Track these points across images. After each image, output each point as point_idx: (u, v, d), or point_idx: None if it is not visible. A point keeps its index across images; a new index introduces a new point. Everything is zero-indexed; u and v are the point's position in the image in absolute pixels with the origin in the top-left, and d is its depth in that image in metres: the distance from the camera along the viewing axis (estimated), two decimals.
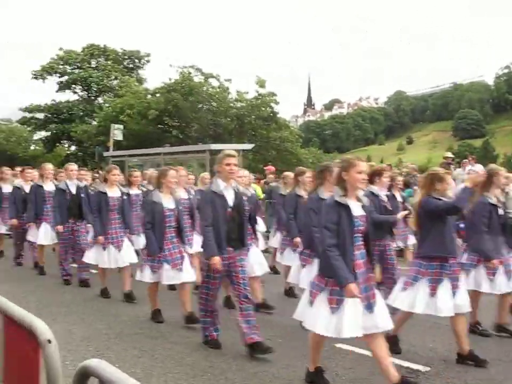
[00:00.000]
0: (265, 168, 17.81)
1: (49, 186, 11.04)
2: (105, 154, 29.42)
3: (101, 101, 50.54)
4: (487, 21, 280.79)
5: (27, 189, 11.72)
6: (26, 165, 20.11)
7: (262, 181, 19.25)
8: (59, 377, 2.06)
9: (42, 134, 53.73)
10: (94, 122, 44.75)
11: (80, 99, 52.47)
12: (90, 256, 9.21)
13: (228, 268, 6.20)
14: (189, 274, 7.46)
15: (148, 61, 53.28)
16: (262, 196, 16.37)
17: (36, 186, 11.21)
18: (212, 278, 6.25)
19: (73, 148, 52.73)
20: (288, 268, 8.45)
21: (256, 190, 13.32)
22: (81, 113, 49.76)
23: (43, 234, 10.90)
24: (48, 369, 2.06)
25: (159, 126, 35.98)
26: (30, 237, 11.34)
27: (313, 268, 6.22)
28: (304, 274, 7.12)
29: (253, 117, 33.18)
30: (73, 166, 10.65)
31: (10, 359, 2.47)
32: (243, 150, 25.55)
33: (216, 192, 6.21)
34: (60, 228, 10.08)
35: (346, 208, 4.78)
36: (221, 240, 6.14)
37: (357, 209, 4.87)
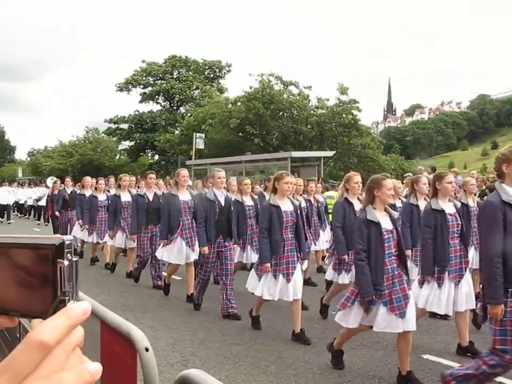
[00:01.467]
0: (347, 175, 17.59)
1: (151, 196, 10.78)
2: (188, 163, 29.96)
3: (183, 111, 51.58)
4: None
5: (151, 197, 10.86)
6: (111, 173, 20.76)
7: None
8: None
9: (127, 144, 55.38)
10: (177, 132, 45.65)
11: (163, 109, 53.76)
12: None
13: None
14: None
15: (228, 71, 53.97)
16: None
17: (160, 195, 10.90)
18: None
19: (156, 157, 54.05)
20: None
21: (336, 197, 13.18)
22: (164, 123, 50.96)
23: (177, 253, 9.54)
24: (145, 376, 2.08)
25: (240, 134, 36.29)
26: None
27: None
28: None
29: (333, 124, 32.94)
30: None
31: (106, 364, 2.51)
32: (324, 157, 25.48)
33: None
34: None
35: None
36: None
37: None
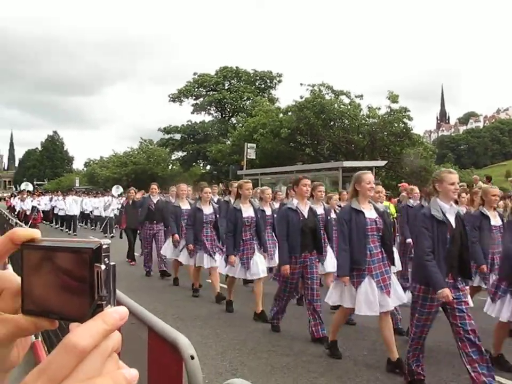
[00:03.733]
0: (399, 185, 17.41)
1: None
2: (239, 172, 30.15)
3: (235, 121, 51.96)
4: None
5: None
6: (164, 183, 20.86)
7: (395, 199, 18.80)
8: None
9: (179, 154, 56.16)
10: (228, 142, 46.00)
11: (215, 120, 54.37)
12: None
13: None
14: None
15: (279, 81, 54.19)
16: (395, 214, 15.97)
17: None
18: None
19: (208, 167, 54.59)
20: None
21: (390, 208, 13.01)
22: (216, 133, 51.54)
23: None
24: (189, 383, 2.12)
25: (291, 144, 36.35)
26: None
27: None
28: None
29: (385, 133, 32.67)
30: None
31: (153, 371, 2.58)
32: (375, 167, 25.27)
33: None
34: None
35: None
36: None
37: None
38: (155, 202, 13.17)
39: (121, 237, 14.42)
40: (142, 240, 13.37)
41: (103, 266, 0.61)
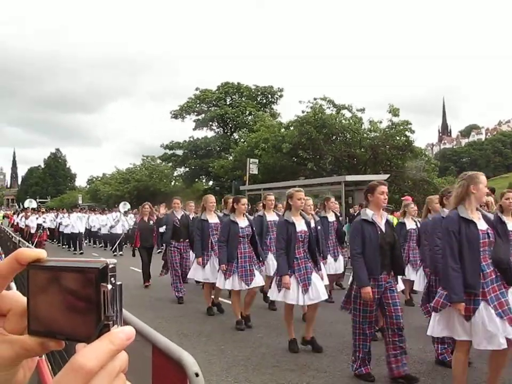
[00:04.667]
0: (402, 198, 17.40)
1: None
2: (242, 188, 30.16)
3: (237, 137, 52.11)
4: None
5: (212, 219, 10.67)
6: (166, 200, 20.70)
7: (398, 213, 18.77)
8: None
9: (182, 170, 56.30)
10: (230, 158, 46.08)
11: (217, 135, 54.53)
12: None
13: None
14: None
15: (281, 96, 54.38)
16: None
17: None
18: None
19: (210, 182, 54.66)
20: None
21: (394, 222, 13.08)
22: (218, 149, 51.68)
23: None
24: None
25: (293, 159, 36.39)
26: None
27: None
28: None
29: (387, 146, 32.71)
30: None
31: None
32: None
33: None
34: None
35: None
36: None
37: None
38: (179, 218, 12.09)
39: (133, 255, 14.03)
40: (169, 261, 11.97)
41: (109, 286, 0.61)
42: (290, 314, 7.79)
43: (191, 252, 11.80)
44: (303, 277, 7.49)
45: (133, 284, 13.89)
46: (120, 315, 0.63)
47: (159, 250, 17.20)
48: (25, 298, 0.66)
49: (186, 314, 10.43)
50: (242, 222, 9.19)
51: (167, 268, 12.56)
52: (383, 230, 6.35)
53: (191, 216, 12.28)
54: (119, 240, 23.86)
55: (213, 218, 10.56)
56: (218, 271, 9.47)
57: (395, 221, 13.86)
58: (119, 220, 24.72)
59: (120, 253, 22.99)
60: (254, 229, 9.32)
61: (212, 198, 10.84)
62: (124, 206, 26.83)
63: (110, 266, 0.62)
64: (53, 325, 0.63)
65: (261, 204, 11.52)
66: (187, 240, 11.95)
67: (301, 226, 7.67)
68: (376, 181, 6.65)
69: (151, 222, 14.34)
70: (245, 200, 9.47)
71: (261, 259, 9.39)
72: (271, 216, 10.52)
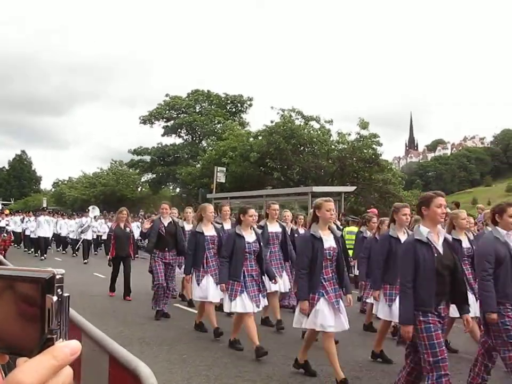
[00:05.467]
0: (368, 211, 17.54)
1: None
2: (209, 196, 30.12)
3: (205, 144, 51.94)
4: None
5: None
6: (133, 206, 20.39)
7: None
8: None
9: (149, 176, 55.96)
10: (198, 165, 45.92)
11: (185, 142, 54.30)
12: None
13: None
14: None
15: (250, 105, 54.44)
16: None
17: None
18: None
19: (177, 189, 54.42)
20: None
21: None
22: (186, 156, 51.47)
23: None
24: None
25: (261, 168, 36.41)
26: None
27: None
28: None
29: (354, 159, 32.95)
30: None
31: None
32: (345, 193, 25.45)
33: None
34: None
35: None
36: None
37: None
38: (166, 225, 10.94)
39: (110, 265, 13.04)
40: (153, 272, 10.84)
41: (55, 298, 0.58)
42: (313, 339, 7.14)
43: (176, 264, 11.24)
44: (334, 300, 6.58)
45: (97, 289, 13.72)
46: (66, 328, 0.60)
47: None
48: None
49: (149, 322, 10.27)
50: (250, 236, 8.10)
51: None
52: (440, 251, 5.22)
53: (186, 226, 11.60)
54: (82, 246, 23.16)
55: (209, 231, 9.37)
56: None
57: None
58: (89, 226, 23.75)
59: (85, 261, 22.02)
60: (261, 244, 8.27)
61: (210, 208, 9.67)
62: (93, 210, 25.40)
63: (58, 276, 0.59)
64: None
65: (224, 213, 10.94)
66: (173, 250, 10.96)
67: (329, 242, 6.70)
68: (432, 192, 5.54)
69: (128, 229, 13.29)
70: (253, 211, 8.29)
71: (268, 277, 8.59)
72: (274, 227, 9.88)
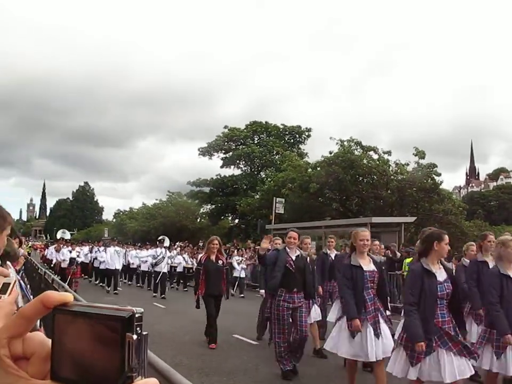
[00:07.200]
0: None
1: None
2: (267, 227, 30.14)
3: (263, 175, 52.22)
4: None
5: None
6: (192, 236, 20.38)
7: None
8: None
9: (208, 207, 56.51)
10: (257, 196, 46.13)
11: (244, 173, 54.68)
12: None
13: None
14: None
15: (308, 136, 54.59)
16: None
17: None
18: None
19: (236, 220, 54.68)
20: None
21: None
22: (245, 187, 51.78)
23: None
24: None
25: (319, 199, 36.32)
26: None
27: None
28: None
29: (414, 189, 32.55)
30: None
31: None
32: (404, 223, 25.09)
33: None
34: None
35: None
36: None
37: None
38: (293, 258, 8.58)
39: (197, 307, 11.24)
40: (275, 319, 8.41)
41: (134, 336, 0.59)
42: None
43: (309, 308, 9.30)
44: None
45: (153, 320, 13.85)
46: (144, 366, 0.61)
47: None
48: (49, 341, 0.64)
49: (209, 352, 10.21)
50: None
51: (264, 326, 11.11)
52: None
53: (308, 258, 9.12)
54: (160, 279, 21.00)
55: (367, 265, 7.09)
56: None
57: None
58: (164, 257, 22.02)
59: (163, 296, 20.06)
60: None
61: (366, 233, 7.30)
62: (164, 241, 24.29)
63: (137, 315, 0.60)
64: (75, 371, 0.61)
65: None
66: (302, 291, 8.53)
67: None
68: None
69: (220, 262, 11.12)
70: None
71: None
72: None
